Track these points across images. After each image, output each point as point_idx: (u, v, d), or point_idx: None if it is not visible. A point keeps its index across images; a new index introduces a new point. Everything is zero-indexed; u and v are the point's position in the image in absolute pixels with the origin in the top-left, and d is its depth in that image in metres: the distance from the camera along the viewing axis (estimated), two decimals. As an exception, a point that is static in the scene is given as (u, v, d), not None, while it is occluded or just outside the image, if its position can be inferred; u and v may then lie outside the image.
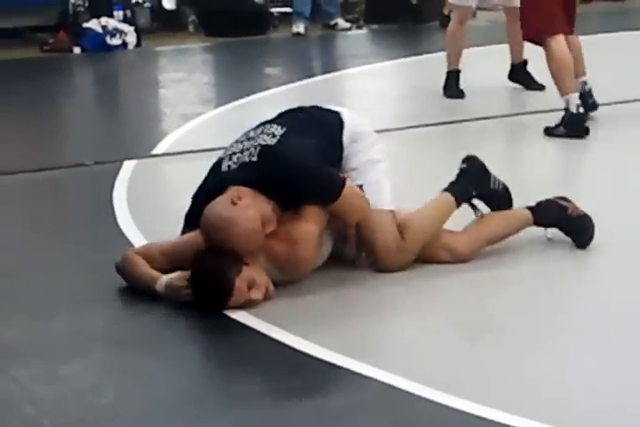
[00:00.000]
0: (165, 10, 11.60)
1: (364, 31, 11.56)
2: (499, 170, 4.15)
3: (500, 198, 4.05)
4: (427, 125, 6.36)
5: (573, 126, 5.81)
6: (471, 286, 3.74)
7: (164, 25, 11.51)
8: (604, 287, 3.72)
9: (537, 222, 4.02)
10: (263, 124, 3.85)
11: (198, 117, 6.84)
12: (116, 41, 10.41)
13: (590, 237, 4.00)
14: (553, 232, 4.06)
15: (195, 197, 3.81)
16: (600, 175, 5.22)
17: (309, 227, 3.58)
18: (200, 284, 3.46)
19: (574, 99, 5.82)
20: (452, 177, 4.08)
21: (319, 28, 11.50)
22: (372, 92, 7.75)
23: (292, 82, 8.21)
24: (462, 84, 7.17)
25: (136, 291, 3.64)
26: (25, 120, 7.14)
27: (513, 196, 4.07)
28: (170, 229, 3.89)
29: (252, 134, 3.77)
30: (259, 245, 3.52)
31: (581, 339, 3.25)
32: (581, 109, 5.83)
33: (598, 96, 6.28)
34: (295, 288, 3.64)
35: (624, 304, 3.52)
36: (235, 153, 3.71)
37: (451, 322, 3.44)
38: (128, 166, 5.53)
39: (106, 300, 3.66)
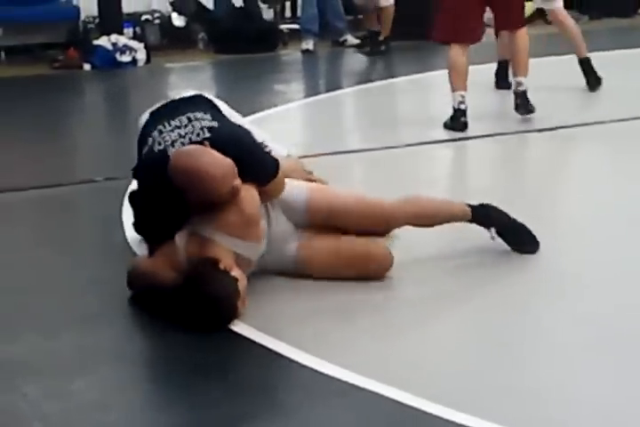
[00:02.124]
0: (175, 27, 11.63)
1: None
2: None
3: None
4: (428, 143, 6.37)
5: (452, 120, 6.61)
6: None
7: (174, 42, 11.55)
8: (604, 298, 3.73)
9: (477, 221, 4.00)
10: (175, 116, 3.87)
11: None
12: (126, 58, 10.45)
13: (535, 247, 4.03)
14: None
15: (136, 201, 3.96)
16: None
17: (248, 191, 3.63)
18: (203, 310, 3.42)
19: (457, 96, 6.59)
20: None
21: (329, 44, 11.53)
22: (379, 109, 7.76)
23: (301, 99, 8.24)
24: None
25: (144, 305, 3.65)
26: (35, 137, 7.16)
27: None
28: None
29: (179, 123, 3.81)
30: (226, 190, 3.51)
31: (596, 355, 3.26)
32: (462, 106, 6.55)
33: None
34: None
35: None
36: (176, 140, 3.73)
37: (457, 336, 3.44)
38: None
39: (114, 315, 3.67)
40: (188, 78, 10.11)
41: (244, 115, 7.33)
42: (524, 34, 6.79)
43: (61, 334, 3.50)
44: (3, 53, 10.97)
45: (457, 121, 6.59)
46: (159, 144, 3.75)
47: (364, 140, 6.62)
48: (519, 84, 6.79)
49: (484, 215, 3.99)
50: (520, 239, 4.04)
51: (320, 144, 6.39)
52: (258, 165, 3.73)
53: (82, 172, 5.94)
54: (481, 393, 3.00)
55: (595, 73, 7.72)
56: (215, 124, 3.79)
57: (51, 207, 5.31)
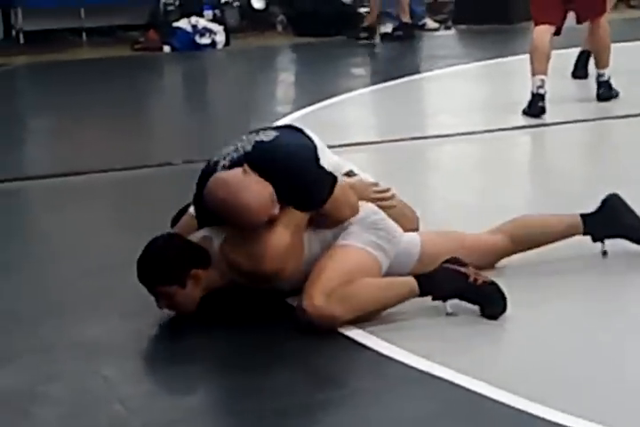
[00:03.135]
0: (254, 9, 11.67)
1: (452, 32, 11.51)
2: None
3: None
4: (504, 130, 6.31)
5: (530, 106, 6.50)
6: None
7: (253, 24, 11.60)
8: None
9: (429, 294, 3.44)
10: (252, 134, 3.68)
11: (285, 118, 6.87)
12: (206, 40, 10.52)
13: (503, 308, 3.42)
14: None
15: (195, 202, 3.66)
16: None
17: (277, 238, 3.36)
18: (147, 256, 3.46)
19: (536, 80, 6.50)
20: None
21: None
22: (458, 94, 7.72)
23: (378, 83, 8.21)
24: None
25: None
26: (115, 119, 7.25)
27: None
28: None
29: (244, 138, 3.63)
30: (263, 220, 3.32)
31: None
32: (541, 91, 6.45)
33: None
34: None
35: None
36: (228, 154, 3.56)
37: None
38: (216, 166, 5.56)
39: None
40: (267, 61, 10.14)
41: (322, 98, 7.43)
42: (604, 24, 6.79)
43: (143, 317, 3.53)
44: (84, 35, 11.10)
45: (535, 106, 6.50)
46: (218, 155, 3.64)
47: (440, 126, 6.58)
48: (600, 75, 6.89)
49: (439, 289, 3.46)
50: (488, 302, 3.46)
51: (396, 129, 6.37)
52: (301, 190, 3.41)
53: (160, 154, 5.99)
54: (564, 387, 2.96)
55: None
56: (270, 138, 3.53)
57: (130, 190, 5.37)
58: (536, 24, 6.70)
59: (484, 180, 5.36)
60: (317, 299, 3.33)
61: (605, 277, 3.85)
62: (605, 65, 6.86)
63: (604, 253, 3.93)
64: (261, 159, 3.43)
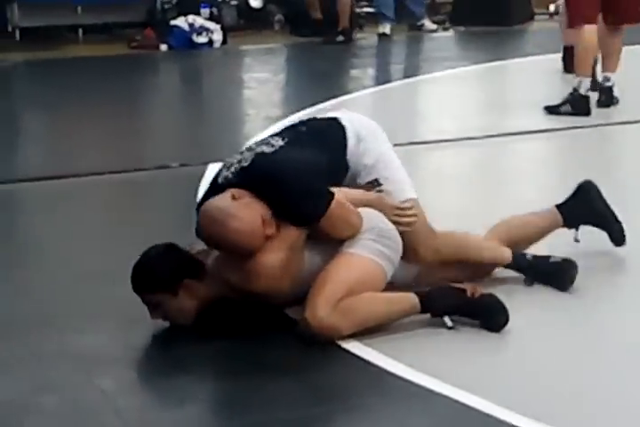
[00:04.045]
0: (252, 8, 11.64)
1: (450, 33, 11.48)
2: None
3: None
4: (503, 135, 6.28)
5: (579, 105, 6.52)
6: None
7: (250, 23, 11.56)
8: None
9: (428, 311, 3.42)
10: (272, 135, 3.69)
11: (283, 120, 6.83)
12: (203, 39, 10.48)
13: (505, 320, 3.40)
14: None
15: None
16: None
17: (271, 257, 3.31)
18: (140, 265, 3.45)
19: (585, 82, 6.53)
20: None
21: (405, 28, 11.44)
22: (456, 97, 7.68)
23: (376, 85, 8.18)
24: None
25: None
26: (111, 118, 7.21)
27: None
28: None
29: (252, 146, 3.61)
30: (258, 244, 3.28)
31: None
32: (589, 93, 6.49)
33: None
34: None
35: None
36: (232, 164, 3.51)
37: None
38: (212, 169, 5.52)
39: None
40: (264, 61, 10.11)
41: (320, 100, 7.39)
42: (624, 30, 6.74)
43: (139, 325, 3.48)
44: (80, 32, 11.05)
45: (584, 106, 6.51)
46: (226, 163, 3.59)
47: (438, 131, 6.54)
48: (607, 79, 6.81)
49: (436, 304, 3.44)
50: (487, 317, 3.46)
51: (392, 134, 6.31)
52: (291, 206, 3.37)
53: (157, 157, 5.95)
54: (565, 404, 2.93)
55: None
56: (271, 150, 3.49)
57: (127, 193, 5.33)
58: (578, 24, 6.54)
59: (483, 185, 5.33)
60: (321, 310, 3.29)
61: (603, 289, 3.82)
62: (614, 69, 6.79)
63: (577, 240, 3.94)
64: (255, 176, 3.41)
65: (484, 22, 11.25)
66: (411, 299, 3.42)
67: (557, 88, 7.32)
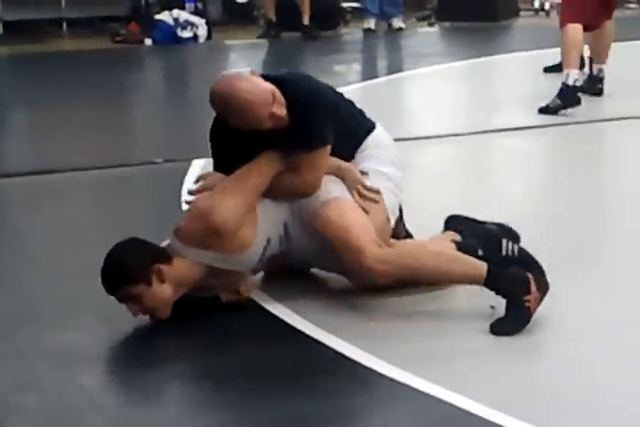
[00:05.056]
0: (237, 3, 11.61)
1: (435, 29, 11.46)
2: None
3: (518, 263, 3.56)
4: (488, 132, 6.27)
5: (568, 97, 6.57)
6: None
7: (235, 18, 11.53)
8: None
9: (488, 284, 3.37)
10: None
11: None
12: (187, 33, 10.45)
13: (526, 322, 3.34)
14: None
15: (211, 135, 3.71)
16: None
17: (232, 196, 3.39)
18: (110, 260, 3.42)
19: (573, 74, 6.60)
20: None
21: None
22: (441, 94, 7.67)
23: (361, 81, 8.16)
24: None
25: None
26: (95, 113, 7.17)
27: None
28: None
29: None
30: (263, 115, 3.34)
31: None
32: (577, 83, 6.59)
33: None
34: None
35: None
36: None
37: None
38: (197, 165, 5.51)
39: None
40: (249, 56, 10.08)
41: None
42: (612, 23, 6.98)
43: (121, 322, 3.45)
44: (65, 25, 11.01)
45: (573, 97, 6.57)
46: None
47: (422, 127, 6.53)
48: (601, 70, 7.09)
49: (499, 280, 3.39)
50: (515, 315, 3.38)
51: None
52: (305, 126, 3.41)
53: (141, 152, 5.94)
54: (557, 408, 2.91)
55: None
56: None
57: (111, 189, 5.30)
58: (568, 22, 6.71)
59: (467, 182, 5.32)
60: (368, 247, 3.32)
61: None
62: (605, 60, 7.06)
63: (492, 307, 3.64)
64: (289, 80, 3.47)
65: (469, 18, 11.24)
66: (479, 265, 3.37)
67: (543, 84, 7.32)
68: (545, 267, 3.60)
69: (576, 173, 5.45)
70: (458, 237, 3.72)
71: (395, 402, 2.95)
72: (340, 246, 3.40)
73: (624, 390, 2.97)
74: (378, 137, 3.74)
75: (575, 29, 6.65)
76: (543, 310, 3.39)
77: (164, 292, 3.41)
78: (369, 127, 3.74)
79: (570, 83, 6.61)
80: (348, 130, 3.64)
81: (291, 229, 3.55)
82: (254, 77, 3.42)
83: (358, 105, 3.83)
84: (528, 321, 3.34)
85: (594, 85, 7.11)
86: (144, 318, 3.46)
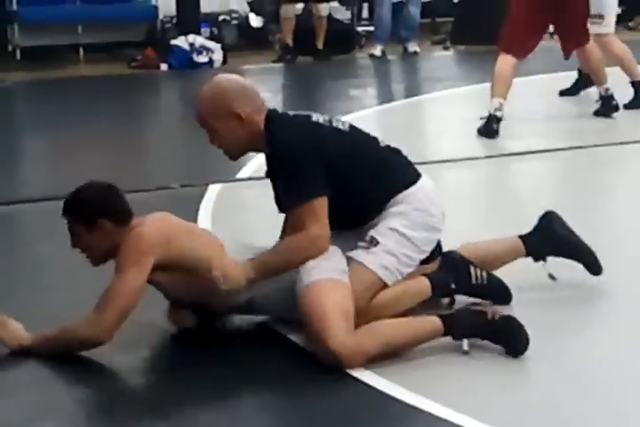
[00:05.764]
0: (252, 27, 11.66)
1: (450, 53, 11.48)
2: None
3: (487, 293, 3.68)
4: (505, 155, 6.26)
5: (485, 126, 6.69)
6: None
7: (251, 43, 11.58)
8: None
9: (450, 333, 3.35)
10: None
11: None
12: (203, 58, 10.49)
13: (526, 343, 3.33)
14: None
15: None
16: None
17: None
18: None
19: (495, 102, 6.75)
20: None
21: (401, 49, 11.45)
22: (455, 118, 7.67)
23: (376, 105, 8.18)
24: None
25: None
26: (111, 140, 7.21)
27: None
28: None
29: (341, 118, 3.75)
30: (220, 113, 3.59)
31: None
32: (498, 113, 6.66)
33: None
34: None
35: None
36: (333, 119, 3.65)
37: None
38: (213, 190, 5.53)
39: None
40: (264, 80, 10.09)
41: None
42: (591, 47, 7.06)
43: (134, 350, 3.45)
44: (81, 51, 11.08)
45: (490, 127, 6.65)
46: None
47: (437, 151, 6.53)
48: (606, 89, 7.15)
49: (458, 327, 3.37)
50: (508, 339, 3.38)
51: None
52: (282, 183, 3.51)
53: (158, 177, 5.94)
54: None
55: None
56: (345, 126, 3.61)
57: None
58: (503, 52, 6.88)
59: (483, 206, 5.33)
60: (339, 334, 3.23)
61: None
62: (604, 81, 7.14)
63: (552, 277, 3.86)
64: (271, 132, 3.54)
65: (484, 42, 11.24)
66: (434, 322, 3.35)
67: (557, 108, 7.33)
68: (558, 288, 3.59)
69: (590, 196, 5.46)
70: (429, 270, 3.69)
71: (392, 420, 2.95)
72: (311, 337, 3.33)
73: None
74: (417, 193, 3.59)
75: (503, 61, 6.82)
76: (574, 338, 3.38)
77: (98, 244, 3.48)
78: (404, 183, 3.60)
79: (491, 111, 6.69)
80: (372, 184, 3.54)
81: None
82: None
83: (374, 130, 3.82)
84: (519, 326, 3.32)
85: (608, 105, 7.15)
86: (165, 345, 3.46)
